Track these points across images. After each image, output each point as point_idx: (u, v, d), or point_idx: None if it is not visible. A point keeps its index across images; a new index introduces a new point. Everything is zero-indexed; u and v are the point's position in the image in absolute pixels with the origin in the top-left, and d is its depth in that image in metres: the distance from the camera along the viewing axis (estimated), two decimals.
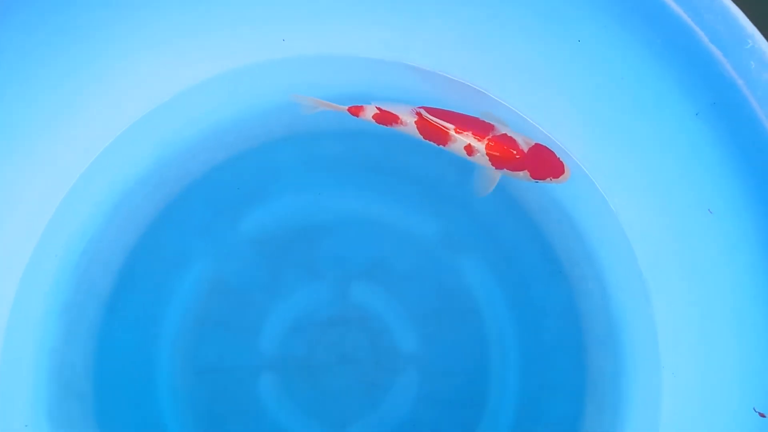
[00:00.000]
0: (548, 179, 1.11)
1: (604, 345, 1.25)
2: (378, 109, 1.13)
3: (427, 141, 1.12)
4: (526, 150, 1.10)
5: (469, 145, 1.10)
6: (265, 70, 1.27)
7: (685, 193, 1.07)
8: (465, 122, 1.10)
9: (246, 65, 1.26)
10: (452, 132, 1.10)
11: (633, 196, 1.16)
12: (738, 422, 1.03)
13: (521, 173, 1.11)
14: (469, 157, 1.11)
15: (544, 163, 1.11)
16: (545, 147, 1.11)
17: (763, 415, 1.00)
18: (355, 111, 1.14)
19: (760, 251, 1.00)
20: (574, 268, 1.25)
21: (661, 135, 1.05)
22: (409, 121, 1.12)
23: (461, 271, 1.32)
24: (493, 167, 1.11)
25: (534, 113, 1.19)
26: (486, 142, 1.09)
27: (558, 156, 1.11)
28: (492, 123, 1.11)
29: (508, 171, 1.11)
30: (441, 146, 1.11)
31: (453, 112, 1.12)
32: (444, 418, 1.29)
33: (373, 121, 1.13)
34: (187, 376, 1.30)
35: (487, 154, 1.09)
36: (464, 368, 1.30)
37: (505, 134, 1.10)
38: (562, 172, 1.11)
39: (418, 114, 1.11)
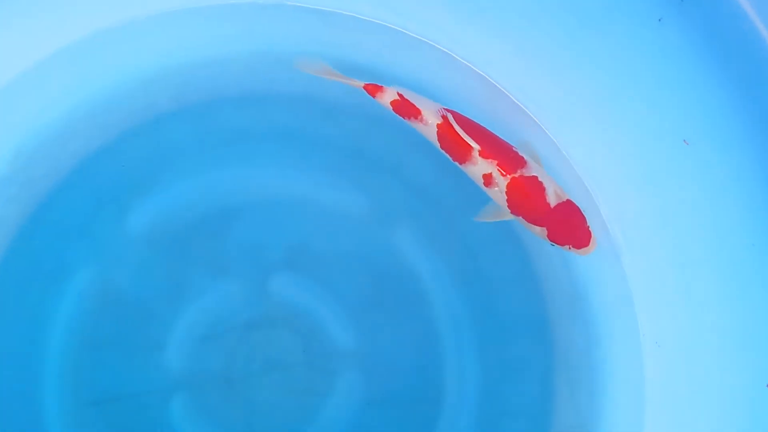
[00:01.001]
0: (567, 246, 0.92)
1: (571, 315, 1.07)
2: (399, 96, 0.93)
3: (443, 151, 0.93)
4: (553, 204, 0.91)
5: (490, 175, 0.90)
6: (141, 28, 1.04)
7: (653, 122, 0.89)
8: (494, 146, 0.91)
9: (116, 23, 1.03)
10: (476, 153, 0.90)
11: (587, 136, 0.98)
12: (741, 396, 0.87)
13: (538, 229, 0.92)
14: (484, 188, 0.92)
15: (569, 226, 0.92)
16: (576, 207, 0.92)
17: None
18: (372, 90, 0.94)
19: (749, 187, 0.83)
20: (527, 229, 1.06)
21: (615, 52, 0.87)
22: (431, 121, 0.92)
23: (398, 248, 1.13)
24: (509, 210, 0.92)
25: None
26: (510, 179, 0.90)
27: (587, 222, 0.92)
28: (525, 158, 0.92)
29: (524, 221, 0.92)
30: (456, 163, 0.92)
31: (484, 129, 0.93)
32: (396, 421, 1.10)
33: (390, 107, 0.93)
34: (82, 409, 1.07)
35: (507, 194, 0.90)
36: (414, 361, 1.11)
37: (536, 177, 0.90)
38: (587, 243, 0.92)
39: (444, 117, 0.92)
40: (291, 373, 1.10)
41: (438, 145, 0.93)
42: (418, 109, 0.93)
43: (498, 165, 0.90)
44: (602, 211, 1.01)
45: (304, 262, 1.12)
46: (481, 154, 0.90)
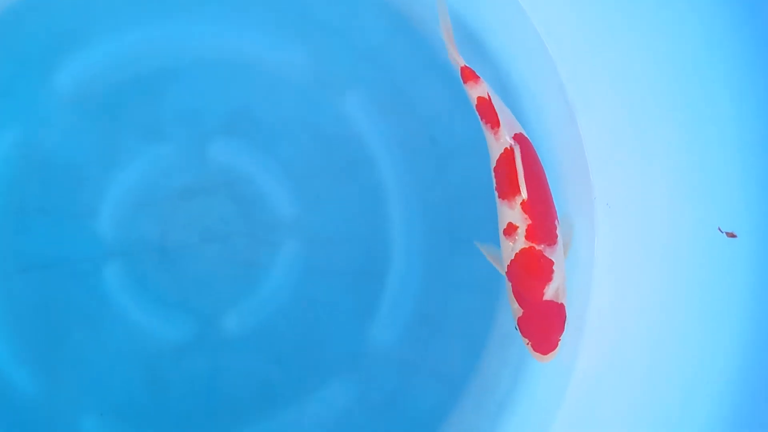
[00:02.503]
0: (528, 342, 0.85)
1: None
2: (488, 96, 0.85)
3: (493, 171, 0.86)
4: (546, 297, 0.84)
5: (516, 229, 0.83)
6: None
7: None
8: (539, 206, 0.83)
9: None
10: (518, 200, 0.82)
11: None
12: (690, 251, 0.83)
13: (516, 306, 0.85)
14: (501, 232, 0.85)
15: (543, 327, 0.85)
16: (563, 316, 0.85)
17: (732, 235, 0.81)
18: (468, 75, 0.86)
19: (705, 44, 0.77)
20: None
21: None
22: (501, 140, 0.84)
23: (344, 112, 1.06)
24: (505, 269, 0.86)
25: None
26: (528, 247, 0.83)
27: (561, 335, 0.85)
28: (558, 238, 0.84)
29: (510, 289, 0.86)
30: (495, 190, 0.86)
31: (543, 179, 0.85)
32: (339, 293, 1.05)
33: (473, 102, 0.86)
34: (10, 277, 1.02)
35: (516, 257, 0.84)
36: (358, 232, 1.07)
37: (552, 264, 0.83)
38: (546, 353, 0.85)
39: (512, 146, 0.84)
40: (230, 244, 1.05)
41: (493, 163, 0.86)
42: (498, 120, 0.85)
43: (529, 227, 0.82)
44: (560, 70, 0.96)
45: (245, 126, 1.05)
46: (523, 204, 0.82)
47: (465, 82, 0.87)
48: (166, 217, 1.04)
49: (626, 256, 0.92)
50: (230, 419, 1.02)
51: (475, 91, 0.87)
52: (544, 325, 0.85)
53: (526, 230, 0.82)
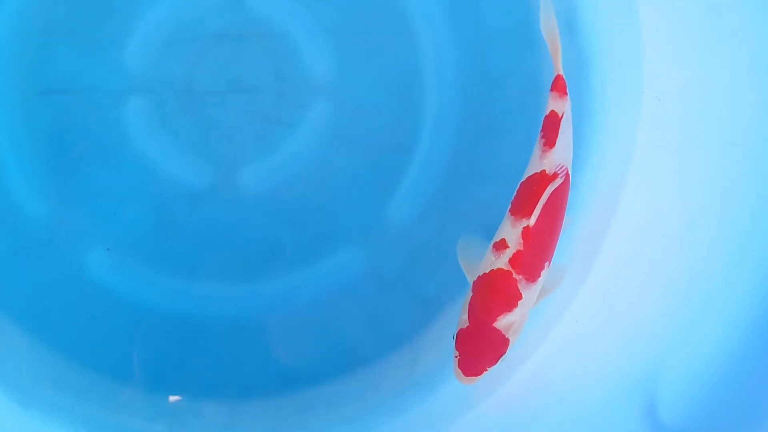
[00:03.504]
0: (456, 354, 0.81)
1: (573, 74, 0.99)
2: (561, 115, 0.82)
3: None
4: (497, 326, 0.80)
5: (505, 247, 0.81)
6: None
7: None
8: (539, 240, 0.80)
9: None
10: (523, 222, 0.80)
11: None
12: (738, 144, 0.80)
13: (464, 317, 0.82)
14: (491, 246, 0.82)
15: (478, 349, 0.81)
16: (502, 351, 0.81)
17: None
18: (558, 86, 0.83)
19: None
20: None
21: None
22: (545, 162, 0.82)
23: None
24: (472, 279, 0.83)
25: None
26: (506, 272, 0.80)
27: (489, 367, 0.81)
28: (540, 279, 0.81)
29: (469, 295, 0.83)
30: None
31: (559, 223, 0.82)
32: (361, 164, 1.02)
33: (546, 111, 0.83)
34: (29, 97, 0.99)
35: (488, 275, 0.81)
36: (390, 103, 1.03)
37: (520, 298, 0.80)
38: (464, 374, 0.81)
39: (552, 173, 0.81)
40: (259, 97, 1.01)
41: (523, 177, 0.83)
42: (554, 141, 0.81)
43: (519, 253, 0.79)
44: None
45: None
46: (525, 229, 0.79)
47: (552, 89, 0.83)
48: (196, 59, 1.00)
49: (668, 155, 0.89)
50: (237, 274, 1.01)
51: (555, 104, 0.83)
52: (480, 349, 0.81)
53: (514, 254, 0.80)
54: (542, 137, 0.83)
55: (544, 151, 0.82)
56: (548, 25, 0.86)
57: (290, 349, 1.00)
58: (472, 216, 1.03)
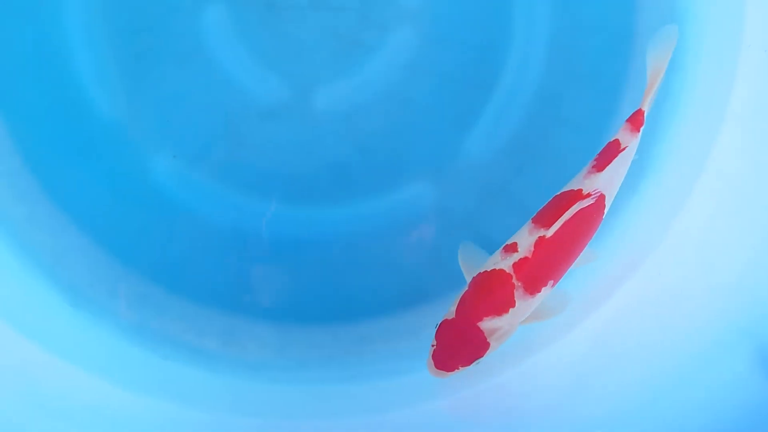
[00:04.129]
0: (433, 343, 0.79)
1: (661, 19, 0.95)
2: (623, 148, 0.82)
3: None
4: (480, 327, 0.78)
5: (514, 250, 0.79)
6: None
7: None
8: (551, 258, 0.78)
9: None
10: (540, 232, 0.78)
11: None
12: None
13: (454, 308, 0.80)
14: (501, 248, 0.80)
15: (456, 343, 0.78)
16: (479, 354, 0.78)
17: None
18: (637, 122, 0.82)
19: None
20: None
21: None
22: (585, 181, 0.81)
23: None
24: (469, 278, 0.82)
25: None
26: (507, 273, 0.78)
27: (462, 366, 0.79)
28: (541, 295, 0.79)
29: (467, 284, 0.81)
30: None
31: (576, 250, 0.81)
32: (440, 97, 0.99)
33: (611, 137, 0.83)
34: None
35: (487, 274, 0.79)
36: (476, 37, 0.99)
37: (512, 305, 0.78)
38: (435, 365, 0.79)
39: (587, 193, 0.79)
40: (341, 17, 0.98)
41: (560, 190, 0.81)
42: (604, 166, 0.80)
43: (525, 260, 0.77)
44: None
45: None
46: (540, 239, 0.77)
47: (628, 121, 0.82)
48: None
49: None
50: (302, 196, 0.98)
51: (623, 135, 0.82)
52: (458, 346, 0.79)
53: (521, 260, 0.77)
54: (596, 159, 0.81)
55: (590, 172, 0.80)
56: (658, 58, 0.84)
57: (350, 279, 0.97)
58: (548, 162, 0.99)
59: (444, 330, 0.79)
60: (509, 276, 0.77)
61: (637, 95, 0.99)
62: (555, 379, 0.83)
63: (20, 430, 0.75)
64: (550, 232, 0.77)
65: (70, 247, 0.94)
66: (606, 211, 0.81)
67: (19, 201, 0.93)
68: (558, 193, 0.82)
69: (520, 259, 0.77)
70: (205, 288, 0.96)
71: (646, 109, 0.83)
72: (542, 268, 0.78)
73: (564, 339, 0.86)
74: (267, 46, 0.97)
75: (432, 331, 0.80)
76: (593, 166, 0.80)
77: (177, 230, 0.95)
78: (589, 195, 0.78)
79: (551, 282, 0.79)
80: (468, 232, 0.99)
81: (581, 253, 0.81)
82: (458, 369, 0.78)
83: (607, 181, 0.80)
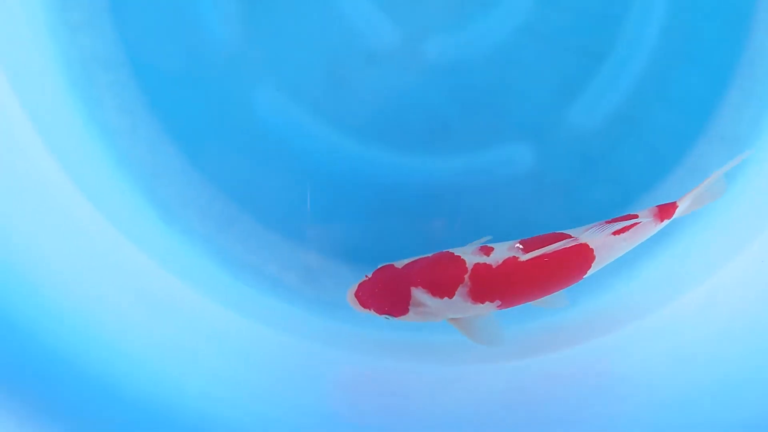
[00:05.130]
0: (366, 275, 0.82)
1: None
2: (645, 227, 0.83)
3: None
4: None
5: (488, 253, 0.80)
6: None
7: None
8: (504, 285, 0.79)
9: None
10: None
11: None
12: None
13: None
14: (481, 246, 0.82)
15: (380, 286, 0.81)
16: (390, 304, 0.80)
17: None
18: (667, 213, 0.83)
19: None
20: None
21: None
22: (591, 235, 0.81)
23: None
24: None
25: None
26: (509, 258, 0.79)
27: (374, 304, 0.81)
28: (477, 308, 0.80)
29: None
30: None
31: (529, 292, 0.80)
32: (549, 62, 0.97)
33: (640, 214, 0.84)
34: None
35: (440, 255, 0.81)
36: (592, 6, 0.97)
37: (433, 299, 0.79)
38: (353, 295, 0.82)
39: (581, 243, 0.80)
40: None
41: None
42: (617, 233, 0.81)
43: (486, 266, 0.78)
44: None
45: None
46: (509, 259, 0.79)
47: (660, 209, 0.83)
48: None
49: None
50: (400, 143, 0.97)
51: (648, 217, 0.82)
52: (382, 293, 0.80)
53: (482, 265, 0.78)
54: (609, 222, 0.81)
55: (596, 229, 0.80)
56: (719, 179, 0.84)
57: (430, 229, 0.97)
58: (647, 138, 0.98)
59: (384, 272, 0.81)
60: (465, 271, 0.78)
61: (746, 84, 0.97)
62: (653, 349, 0.83)
63: (116, 314, 0.78)
64: (523, 257, 0.78)
65: (166, 165, 0.95)
66: (591, 271, 0.82)
67: (124, 113, 0.95)
68: (561, 232, 0.82)
69: (484, 264, 0.78)
70: (291, 222, 0.96)
71: (680, 204, 0.83)
72: (496, 285, 0.79)
73: (665, 309, 0.86)
74: None
75: None
76: (604, 227, 0.80)
77: (271, 161, 0.96)
78: (581, 246, 0.79)
79: (498, 303, 0.79)
80: (558, 199, 0.98)
81: (548, 295, 0.82)
82: (369, 310, 0.81)
83: (605, 246, 0.81)
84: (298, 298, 0.95)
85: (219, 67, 0.96)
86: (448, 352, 0.92)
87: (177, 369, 0.77)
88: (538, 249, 0.78)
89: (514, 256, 0.78)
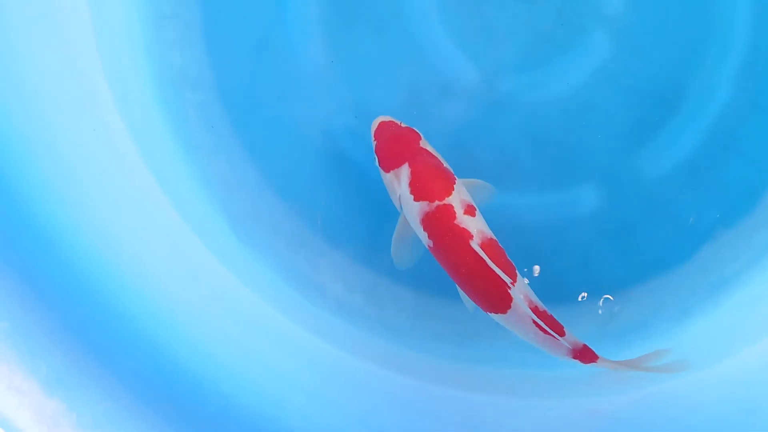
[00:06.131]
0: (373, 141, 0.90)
1: None
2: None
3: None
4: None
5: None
6: None
7: None
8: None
9: None
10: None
11: None
12: None
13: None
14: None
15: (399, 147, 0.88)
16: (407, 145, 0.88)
17: None
18: (587, 357, 0.84)
19: None
20: None
21: None
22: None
23: None
24: None
25: None
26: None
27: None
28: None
29: None
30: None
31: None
32: (621, 105, 0.99)
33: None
34: None
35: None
36: (669, 55, 0.99)
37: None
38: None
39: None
40: (540, 12, 0.99)
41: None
42: (540, 328, 0.82)
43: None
44: None
45: None
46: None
47: (585, 349, 0.83)
48: None
49: None
50: (467, 174, 0.99)
51: (566, 345, 0.83)
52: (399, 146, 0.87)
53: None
54: (541, 312, 0.83)
55: (528, 299, 0.82)
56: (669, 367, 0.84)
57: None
58: (713, 188, 0.99)
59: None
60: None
61: None
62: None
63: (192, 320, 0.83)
64: (473, 243, 0.82)
65: (243, 181, 0.99)
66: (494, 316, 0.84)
67: (208, 131, 0.99)
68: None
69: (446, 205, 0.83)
70: (358, 244, 0.99)
71: (600, 362, 0.84)
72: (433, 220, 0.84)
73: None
74: (462, 25, 1.00)
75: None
76: (536, 303, 0.83)
77: (345, 185, 0.99)
78: (506, 292, 0.81)
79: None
80: (619, 243, 0.99)
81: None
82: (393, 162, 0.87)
83: (519, 320, 0.82)
84: (361, 319, 0.98)
85: (301, 90, 0.99)
86: (517, 384, 0.94)
87: (248, 374, 0.81)
88: (490, 250, 0.82)
89: (469, 231, 0.82)
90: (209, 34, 1.00)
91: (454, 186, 0.85)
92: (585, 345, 0.84)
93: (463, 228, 0.82)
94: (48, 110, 0.82)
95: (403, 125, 0.91)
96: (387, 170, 0.88)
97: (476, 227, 0.83)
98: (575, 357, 0.84)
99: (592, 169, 1.00)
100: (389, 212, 0.99)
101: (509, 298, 0.82)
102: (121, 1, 0.95)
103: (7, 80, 0.80)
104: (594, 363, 0.84)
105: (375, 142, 0.90)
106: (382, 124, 0.90)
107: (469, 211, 0.84)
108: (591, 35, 0.99)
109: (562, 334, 0.82)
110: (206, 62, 0.99)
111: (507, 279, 0.81)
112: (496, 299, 0.82)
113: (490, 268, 0.81)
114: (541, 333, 0.82)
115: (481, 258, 0.81)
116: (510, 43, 1.00)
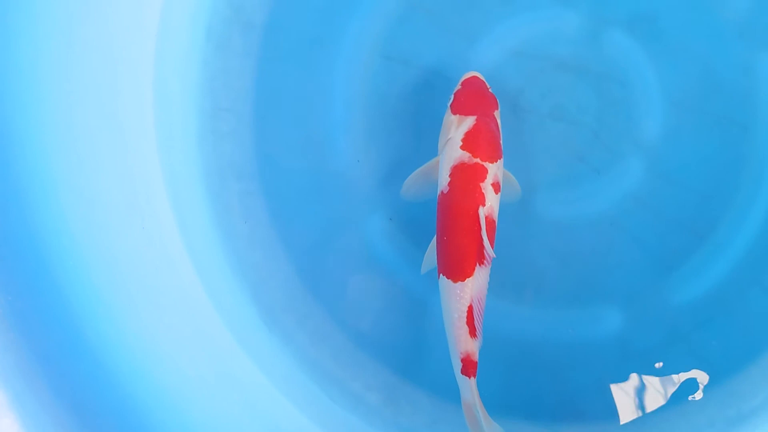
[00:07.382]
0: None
1: None
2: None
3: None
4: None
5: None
6: None
7: None
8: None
9: None
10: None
11: None
12: None
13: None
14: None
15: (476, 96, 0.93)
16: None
17: None
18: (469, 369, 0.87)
19: None
20: None
21: None
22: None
23: (754, 68, 1.00)
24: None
25: None
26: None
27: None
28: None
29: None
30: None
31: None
32: (651, 230, 1.00)
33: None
34: (373, 59, 1.04)
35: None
36: (701, 184, 1.01)
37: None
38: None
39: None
40: (576, 133, 1.02)
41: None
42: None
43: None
44: None
45: (642, 29, 1.01)
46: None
47: (470, 361, 0.85)
48: (533, 74, 1.02)
49: None
50: (492, 289, 1.01)
51: (462, 330, 0.85)
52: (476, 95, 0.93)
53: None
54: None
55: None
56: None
57: (513, 379, 1.01)
58: (737, 321, 1.00)
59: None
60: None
61: None
62: None
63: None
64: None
65: (275, 271, 1.02)
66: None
67: (246, 219, 1.03)
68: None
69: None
70: (381, 345, 1.01)
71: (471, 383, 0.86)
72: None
73: None
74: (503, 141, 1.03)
75: None
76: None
77: (373, 285, 1.02)
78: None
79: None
80: (639, 368, 1.00)
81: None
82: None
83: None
84: (377, 419, 0.99)
85: (339, 188, 1.03)
86: None
87: None
88: (488, 226, 0.85)
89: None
90: (259, 125, 1.04)
91: (498, 160, 0.89)
92: (475, 362, 0.85)
93: (483, 194, 0.87)
94: (102, 212, 0.88)
95: (490, 89, 0.95)
96: (454, 112, 0.92)
97: (491, 201, 0.87)
98: (462, 362, 0.85)
99: (617, 291, 1.01)
100: (415, 316, 1.02)
101: (470, 274, 0.85)
102: (183, 95, 1.01)
103: (70, 183, 0.86)
104: (468, 378, 0.85)
105: (459, 86, 0.95)
106: (473, 77, 0.96)
107: (496, 187, 0.88)
108: (625, 159, 1.02)
109: (474, 336, 0.85)
110: (253, 154, 1.04)
111: (488, 255, 0.84)
112: (463, 266, 0.85)
113: (480, 236, 0.84)
114: (462, 324, 0.85)
115: (479, 225, 0.84)
116: (544, 160, 1.03)
